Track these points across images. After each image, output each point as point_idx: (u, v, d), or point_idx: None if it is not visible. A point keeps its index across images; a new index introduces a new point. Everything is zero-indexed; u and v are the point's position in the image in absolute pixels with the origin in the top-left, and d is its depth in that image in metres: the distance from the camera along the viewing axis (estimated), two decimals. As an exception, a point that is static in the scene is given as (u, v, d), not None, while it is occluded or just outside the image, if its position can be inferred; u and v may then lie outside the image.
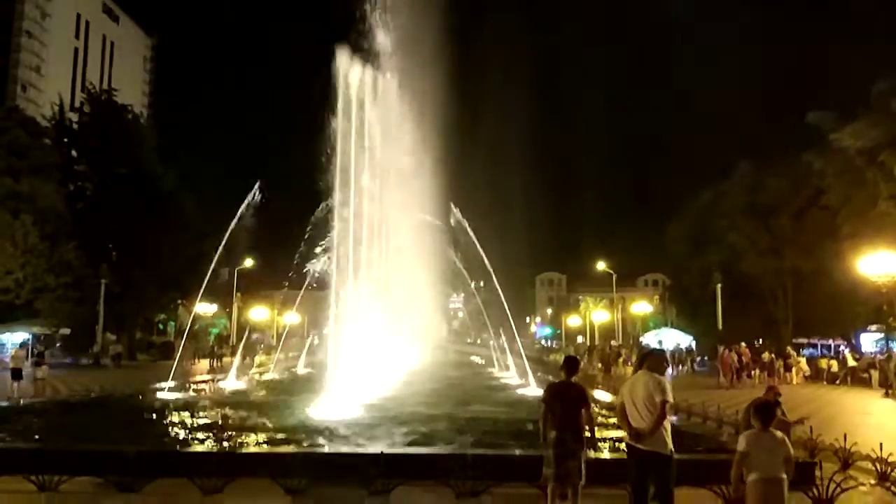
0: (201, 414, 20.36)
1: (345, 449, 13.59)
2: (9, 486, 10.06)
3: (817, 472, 10.02)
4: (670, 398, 7.51)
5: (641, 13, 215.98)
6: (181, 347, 40.82)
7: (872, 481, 10.64)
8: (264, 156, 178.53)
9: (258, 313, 74.48)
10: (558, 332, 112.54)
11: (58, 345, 52.38)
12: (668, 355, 51.33)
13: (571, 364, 8.88)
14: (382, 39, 37.36)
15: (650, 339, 63.66)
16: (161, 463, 11.03)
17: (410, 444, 14.50)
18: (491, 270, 39.18)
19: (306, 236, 32.87)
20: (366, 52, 33.69)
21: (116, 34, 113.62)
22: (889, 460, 10.66)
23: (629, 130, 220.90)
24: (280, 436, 15.49)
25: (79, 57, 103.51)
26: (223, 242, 34.64)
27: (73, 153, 56.62)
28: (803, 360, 38.48)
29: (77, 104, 63.58)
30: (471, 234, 40.54)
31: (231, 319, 72.03)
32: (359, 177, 29.10)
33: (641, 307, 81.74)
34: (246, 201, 33.05)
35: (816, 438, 12.70)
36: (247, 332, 40.94)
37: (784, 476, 6.36)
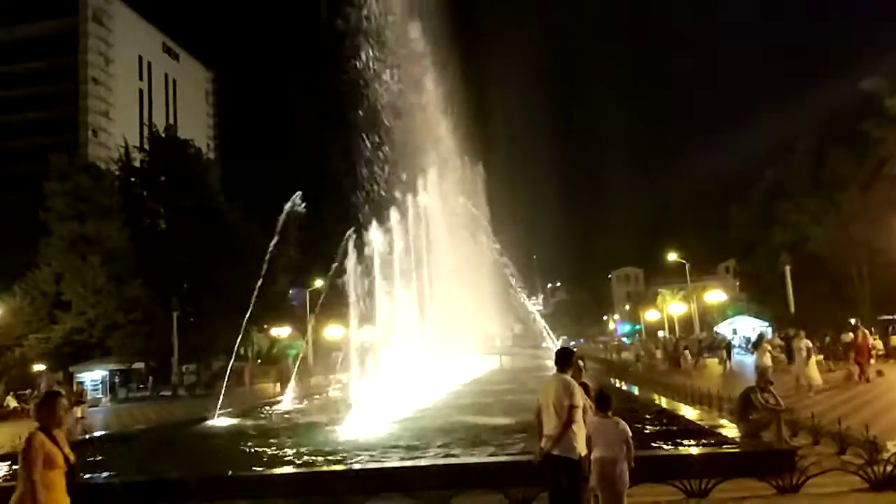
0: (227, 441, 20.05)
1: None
2: None
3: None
4: (578, 402, 7.18)
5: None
6: (245, 373, 41.54)
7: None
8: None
9: (333, 331, 75.07)
10: (639, 327, 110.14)
11: (150, 378, 54.17)
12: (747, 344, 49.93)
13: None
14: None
15: (724, 329, 62.02)
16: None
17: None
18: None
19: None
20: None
21: (177, 71, 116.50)
22: (879, 442, 10.02)
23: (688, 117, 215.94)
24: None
25: (144, 97, 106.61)
26: (267, 257, 34.01)
27: (145, 192, 58.73)
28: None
29: (145, 144, 65.71)
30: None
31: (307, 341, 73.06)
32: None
33: (715, 296, 79.07)
34: (285, 211, 33.28)
35: (818, 424, 12.19)
36: (299, 355, 40.76)
37: (619, 455, 7.33)
